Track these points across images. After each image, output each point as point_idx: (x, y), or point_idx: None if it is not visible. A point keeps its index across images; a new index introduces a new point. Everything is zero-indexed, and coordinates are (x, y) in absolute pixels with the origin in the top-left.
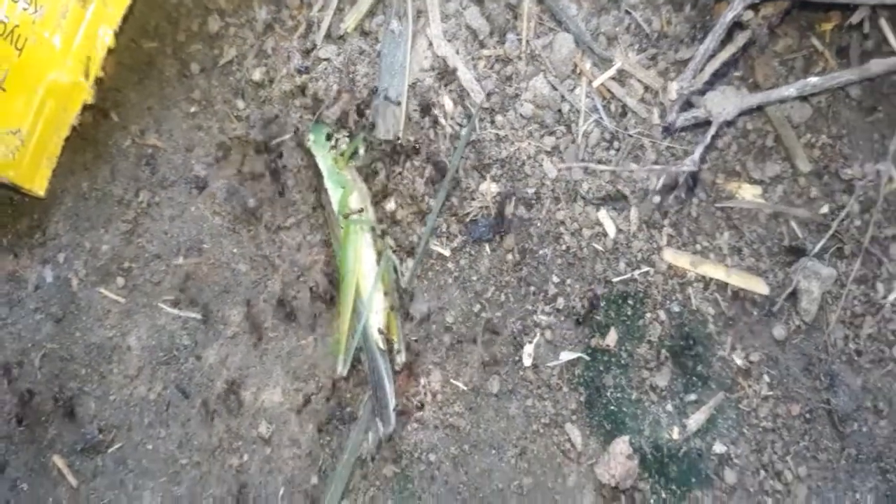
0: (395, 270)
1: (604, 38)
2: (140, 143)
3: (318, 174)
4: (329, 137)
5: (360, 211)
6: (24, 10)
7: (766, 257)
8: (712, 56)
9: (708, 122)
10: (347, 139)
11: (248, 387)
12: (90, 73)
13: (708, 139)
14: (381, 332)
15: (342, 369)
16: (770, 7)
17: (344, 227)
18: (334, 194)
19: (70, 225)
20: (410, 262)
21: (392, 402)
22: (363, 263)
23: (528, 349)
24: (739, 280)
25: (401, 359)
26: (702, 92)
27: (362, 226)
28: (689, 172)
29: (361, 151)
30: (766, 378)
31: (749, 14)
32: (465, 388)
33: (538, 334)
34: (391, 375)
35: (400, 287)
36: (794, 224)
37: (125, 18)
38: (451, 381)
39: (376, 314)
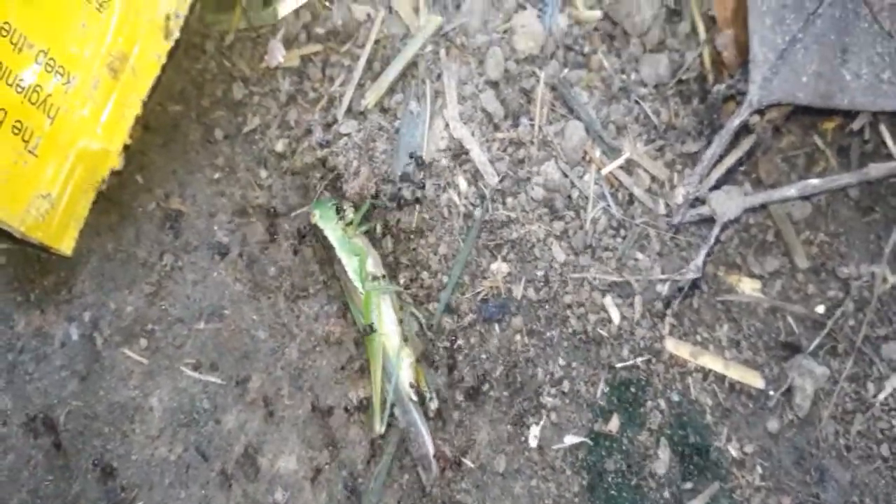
0: (420, 324)
1: (613, 127)
2: (164, 207)
3: (328, 247)
4: (338, 211)
5: (382, 277)
6: (58, 80)
7: (762, 351)
8: (718, 161)
9: (712, 219)
10: (353, 209)
11: (264, 453)
12: (119, 141)
13: (712, 240)
14: (412, 385)
15: (380, 428)
16: (775, 111)
17: (364, 294)
18: (349, 263)
19: (95, 285)
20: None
21: (431, 450)
22: (386, 324)
23: (535, 431)
24: (737, 373)
25: (433, 405)
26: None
27: (384, 290)
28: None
29: (376, 224)
30: (759, 469)
31: (755, 118)
32: (473, 466)
33: (544, 416)
34: (426, 424)
35: (425, 340)
36: (790, 320)
37: (153, 88)
38: (459, 457)
39: (405, 370)
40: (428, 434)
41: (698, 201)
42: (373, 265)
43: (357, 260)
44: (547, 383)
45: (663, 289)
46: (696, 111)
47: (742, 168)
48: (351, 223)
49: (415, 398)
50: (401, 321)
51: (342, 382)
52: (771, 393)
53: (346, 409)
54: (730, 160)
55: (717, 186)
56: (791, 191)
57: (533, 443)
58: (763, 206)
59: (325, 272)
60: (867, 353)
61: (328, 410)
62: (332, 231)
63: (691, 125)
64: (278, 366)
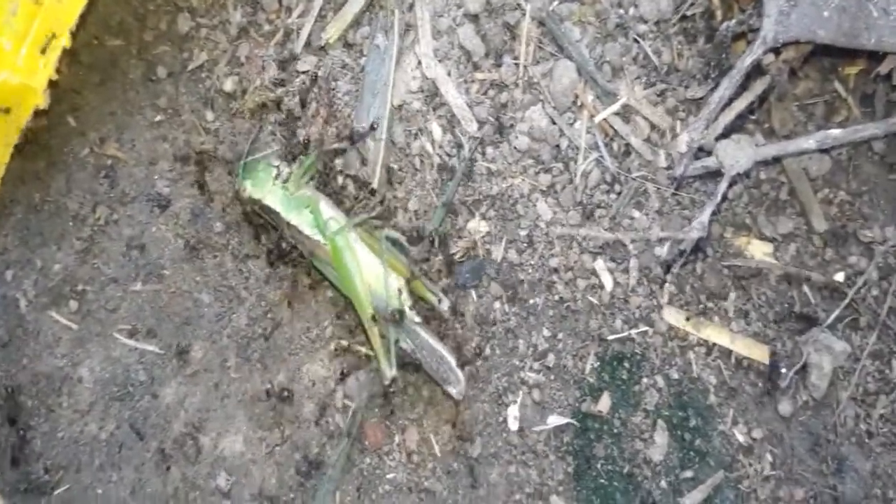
0: (399, 244)
1: (609, 68)
2: (99, 153)
3: (271, 213)
4: (270, 169)
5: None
6: None
7: (774, 323)
8: (727, 105)
9: (719, 172)
10: (291, 161)
11: (207, 432)
12: (43, 76)
13: (719, 196)
14: (410, 309)
15: (392, 370)
16: (792, 50)
17: (329, 242)
18: (302, 221)
19: (19, 239)
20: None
21: (453, 360)
22: (364, 264)
23: (514, 410)
24: (744, 347)
25: (445, 305)
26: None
27: (345, 229)
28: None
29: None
30: (769, 457)
31: (769, 58)
32: (444, 449)
33: (525, 393)
34: (438, 339)
35: (410, 257)
36: (806, 289)
37: (84, 17)
38: (428, 439)
39: (398, 296)
40: (445, 348)
41: (703, 152)
42: (328, 207)
43: (308, 212)
44: (529, 357)
45: (662, 251)
46: (701, 51)
47: (753, 116)
48: (289, 179)
49: (418, 319)
50: (377, 251)
51: (297, 353)
52: (783, 371)
53: (301, 383)
54: (740, 104)
55: (724, 135)
56: (808, 142)
57: (512, 424)
58: (776, 160)
59: (276, 243)
60: (892, 326)
61: (280, 385)
62: (272, 195)
63: (696, 67)
64: (224, 334)
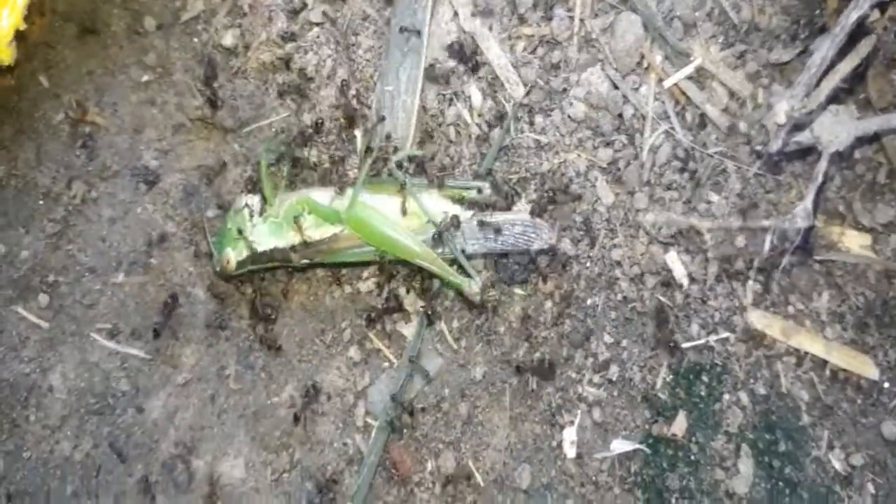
0: (410, 162)
1: (679, 24)
2: (75, 119)
3: (268, 257)
4: (240, 215)
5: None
6: None
7: (875, 329)
8: (829, 69)
9: (811, 150)
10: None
11: (201, 454)
12: (7, 27)
13: (820, 177)
14: (462, 208)
15: (477, 280)
16: None
17: (348, 222)
18: (308, 228)
19: None
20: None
21: (530, 216)
22: (388, 211)
23: (570, 433)
24: (841, 358)
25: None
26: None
27: (355, 198)
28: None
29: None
30: (871, 488)
31: (875, 14)
32: (485, 479)
33: (584, 413)
34: (503, 208)
35: (430, 172)
36: None
37: None
38: (468, 466)
39: (446, 206)
40: (515, 212)
41: (795, 128)
42: (321, 193)
43: (307, 215)
44: (588, 369)
45: (744, 241)
46: (786, 7)
47: (844, 85)
48: (265, 204)
49: (471, 213)
50: (392, 189)
51: (308, 360)
52: (886, 385)
53: (311, 395)
54: (844, 69)
55: (824, 105)
56: None
57: (569, 450)
58: (876, 137)
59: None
60: None
61: (290, 398)
62: (260, 237)
63: (781, 26)
64: (222, 336)
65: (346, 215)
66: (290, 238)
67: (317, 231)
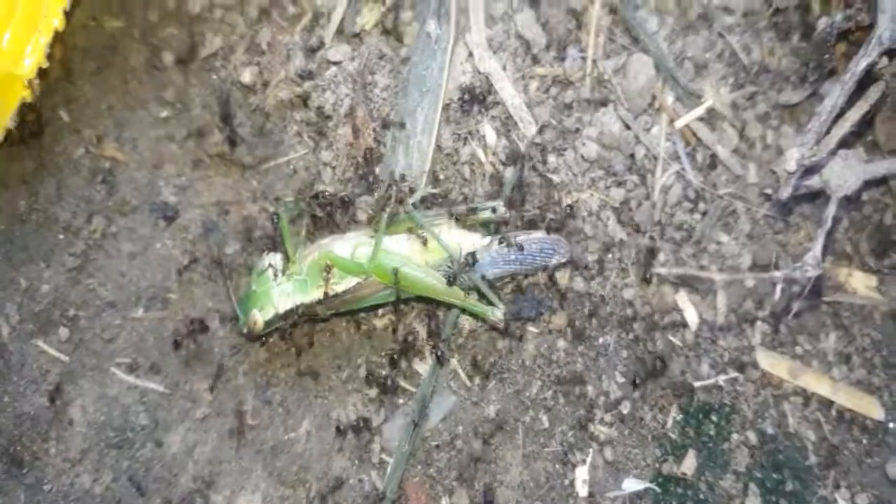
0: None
1: (691, 65)
2: (95, 154)
3: (294, 314)
4: (264, 277)
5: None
6: None
7: (881, 370)
8: (839, 116)
9: (821, 193)
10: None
11: (219, 489)
12: (32, 64)
13: (829, 222)
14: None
15: (500, 307)
16: None
17: (373, 271)
18: (334, 282)
19: (2, 255)
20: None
21: (544, 232)
22: (412, 252)
23: (582, 472)
24: (847, 398)
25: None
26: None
27: (378, 249)
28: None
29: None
30: None
31: (883, 61)
32: None
33: (595, 452)
34: (523, 229)
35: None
36: None
37: None
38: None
39: (468, 238)
40: (532, 232)
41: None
42: (342, 245)
43: (329, 267)
44: (600, 407)
45: (753, 282)
46: (796, 50)
47: (852, 130)
48: (289, 263)
49: (486, 240)
50: (411, 229)
51: (325, 396)
52: (891, 426)
53: (336, 429)
54: (853, 115)
55: (833, 151)
56: None
57: (581, 489)
58: (884, 179)
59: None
60: None
61: (308, 431)
62: (285, 297)
63: (791, 68)
64: (240, 370)
65: (372, 266)
66: (315, 293)
67: (341, 283)
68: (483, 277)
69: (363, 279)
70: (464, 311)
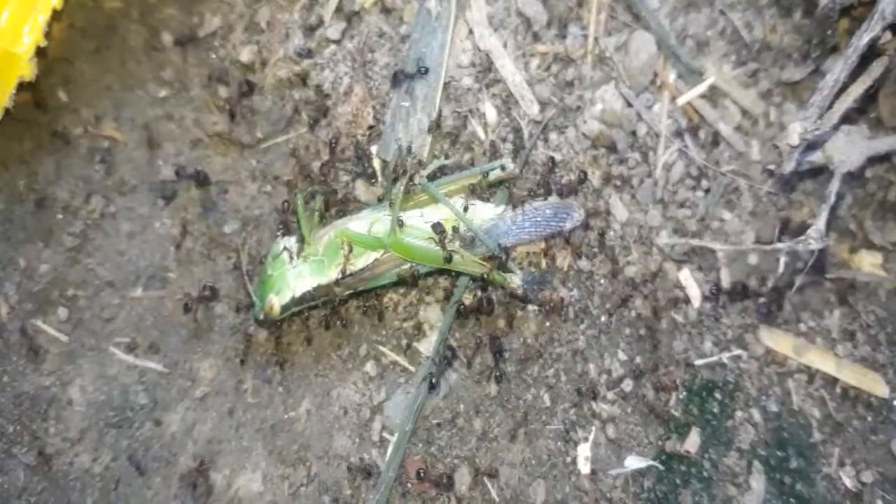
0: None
1: (692, 42)
2: (94, 134)
3: (312, 297)
4: (280, 260)
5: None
6: None
7: (885, 347)
8: (842, 90)
9: (822, 169)
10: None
11: (219, 467)
12: (29, 43)
13: (832, 197)
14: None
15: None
16: None
17: (391, 246)
18: (352, 259)
19: (0, 234)
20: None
21: (556, 197)
22: (422, 226)
23: (584, 449)
24: (852, 375)
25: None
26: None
27: (395, 222)
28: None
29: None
30: None
31: (886, 36)
32: (500, 496)
33: (597, 429)
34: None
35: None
36: None
37: None
38: (483, 482)
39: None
40: (541, 199)
41: (807, 148)
42: (358, 222)
43: (347, 247)
44: (602, 385)
45: (756, 259)
46: (798, 27)
47: (856, 105)
48: (304, 245)
49: (500, 209)
50: (427, 202)
51: (325, 375)
52: None
53: (330, 410)
54: (856, 90)
55: (836, 126)
56: None
57: (583, 466)
58: (887, 156)
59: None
60: None
61: (307, 411)
62: (301, 279)
63: (793, 45)
64: (240, 350)
65: (391, 241)
66: (332, 273)
67: (359, 260)
68: (500, 246)
69: (381, 255)
70: (482, 279)
